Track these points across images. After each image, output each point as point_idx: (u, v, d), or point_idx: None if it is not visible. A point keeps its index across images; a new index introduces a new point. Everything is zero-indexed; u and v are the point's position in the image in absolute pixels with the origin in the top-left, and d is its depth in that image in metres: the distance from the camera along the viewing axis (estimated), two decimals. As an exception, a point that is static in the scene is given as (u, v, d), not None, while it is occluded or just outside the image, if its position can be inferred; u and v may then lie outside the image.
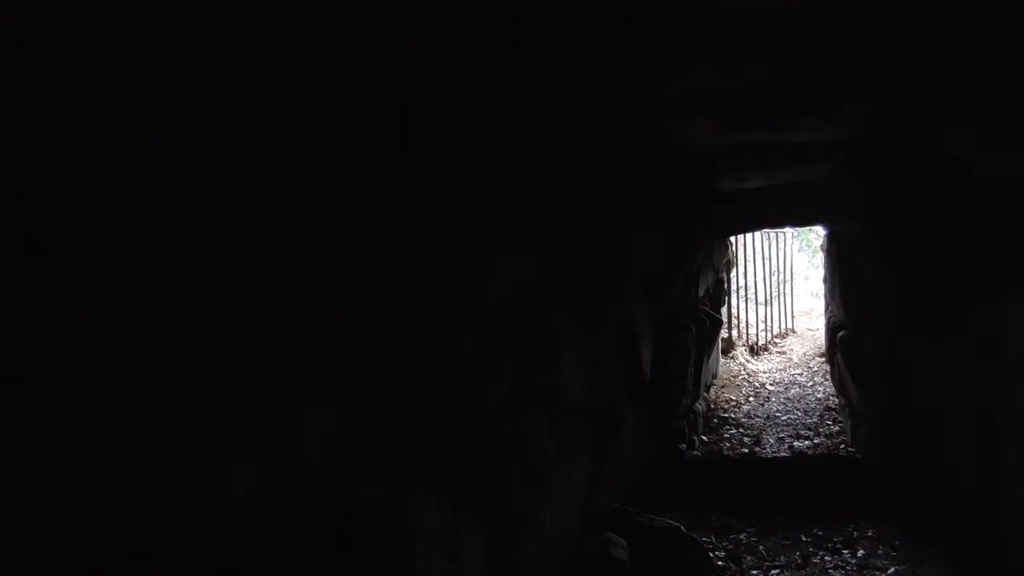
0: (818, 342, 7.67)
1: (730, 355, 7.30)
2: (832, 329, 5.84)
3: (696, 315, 5.41)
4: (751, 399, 6.32)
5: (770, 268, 8.31)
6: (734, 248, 7.57)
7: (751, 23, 2.36)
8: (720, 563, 3.73)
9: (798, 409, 5.97)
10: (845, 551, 3.84)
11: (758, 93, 2.92)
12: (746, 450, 5.14)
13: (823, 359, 6.98)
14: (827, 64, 2.66)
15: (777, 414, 5.88)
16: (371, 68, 1.62)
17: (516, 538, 2.48)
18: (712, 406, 6.00)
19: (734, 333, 7.68)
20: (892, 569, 3.61)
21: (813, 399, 6.19)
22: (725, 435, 5.46)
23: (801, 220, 5.90)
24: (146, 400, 1.16)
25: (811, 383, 6.65)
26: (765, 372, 7.14)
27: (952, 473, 3.67)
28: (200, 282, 1.25)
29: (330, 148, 1.56)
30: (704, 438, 5.36)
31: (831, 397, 6.04)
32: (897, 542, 3.89)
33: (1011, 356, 2.98)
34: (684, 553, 3.42)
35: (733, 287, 7.83)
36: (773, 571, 3.69)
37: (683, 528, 3.56)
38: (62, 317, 1.03)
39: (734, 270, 7.77)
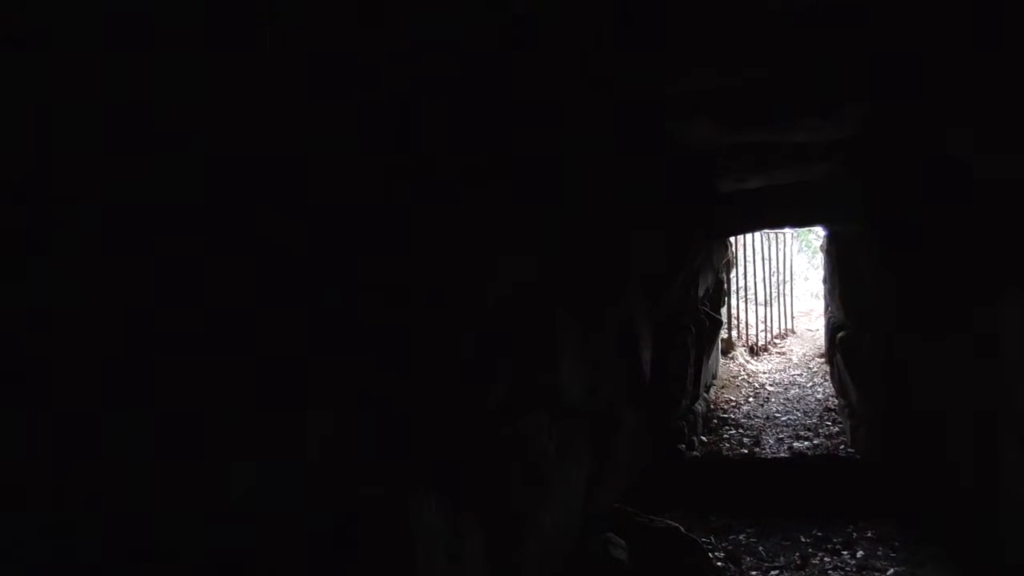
0: (818, 343, 7.67)
1: (730, 356, 7.30)
2: (832, 330, 5.84)
3: (696, 315, 5.41)
4: (751, 400, 6.32)
5: (770, 269, 8.31)
6: (734, 249, 7.57)
7: (751, 23, 2.36)
8: (719, 564, 3.73)
9: (798, 410, 5.97)
10: (844, 552, 3.84)
11: (758, 93, 2.92)
12: (745, 451, 5.14)
13: (823, 360, 6.98)
14: (827, 64, 2.66)
15: (777, 415, 5.88)
16: (371, 68, 1.62)
17: (516, 538, 2.48)
18: (712, 406, 6.00)
19: (734, 334, 7.68)
20: (892, 570, 3.60)
21: (813, 400, 6.19)
22: (725, 435, 5.46)
23: (801, 220, 5.90)
24: (146, 400, 1.16)
25: (811, 384, 6.65)
26: (765, 373, 7.14)
27: (952, 473, 3.67)
28: (200, 282, 1.25)
29: (330, 148, 1.56)
30: (704, 438, 5.36)
31: (831, 398, 6.04)
32: (897, 543, 3.89)
33: (1011, 356, 2.98)
34: (683, 553, 3.41)
35: (733, 288, 7.83)
36: (772, 572, 3.68)
37: (682, 528, 3.56)
38: (62, 317, 1.02)
39: (734, 271, 7.77)
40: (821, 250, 7.18)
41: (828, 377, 6.35)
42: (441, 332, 1.99)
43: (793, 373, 7.07)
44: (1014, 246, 2.89)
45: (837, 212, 4.63)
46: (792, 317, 8.74)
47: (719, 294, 6.70)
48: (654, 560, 3.33)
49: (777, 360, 7.64)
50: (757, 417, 5.86)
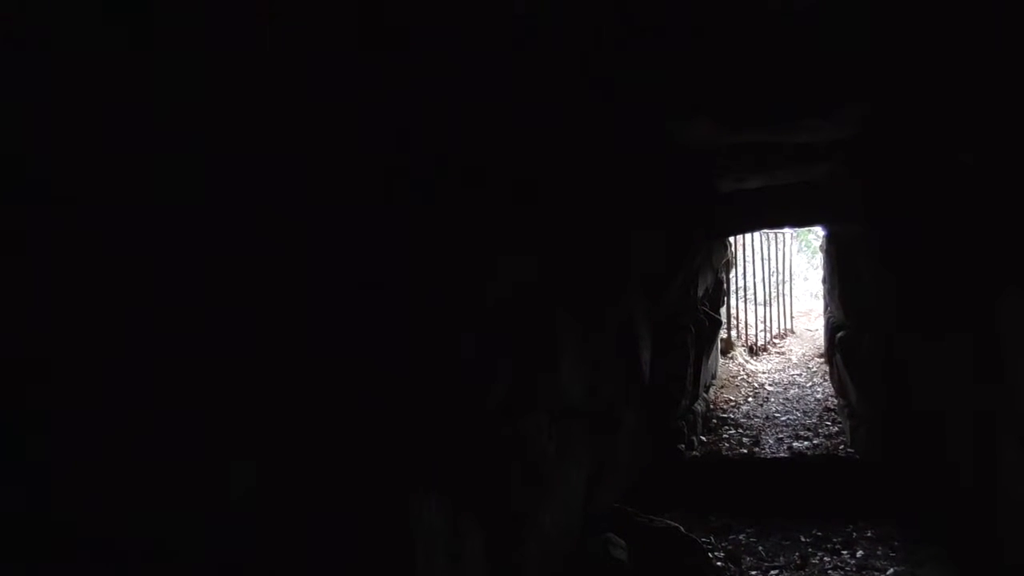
0: (817, 343, 7.67)
1: (729, 355, 7.30)
2: (831, 330, 5.84)
3: (695, 315, 5.42)
4: (750, 399, 6.32)
5: (769, 269, 8.31)
6: (733, 248, 7.57)
7: (752, 23, 2.36)
8: (719, 563, 3.73)
9: (797, 410, 5.97)
10: (844, 552, 3.84)
11: (758, 93, 2.92)
12: (745, 450, 5.14)
13: (822, 360, 6.98)
14: (827, 64, 2.66)
15: (776, 414, 5.88)
16: (370, 68, 1.62)
17: (516, 538, 2.48)
18: (711, 406, 6.00)
19: (733, 333, 7.68)
20: (891, 570, 3.61)
21: (812, 399, 6.19)
22: (724, 435, 5.46)
23: (801, 220, 5.89)
24: (146, 400, 1.15)
25: (810, 384, 6.65)
26: (764, 372, 7.14)
27: (952, 473, 3.67)
28: (200, 282, 1.25)
29: (330, 148, 1.56)
30: (703, 438, 5.36)
31: (830, 398, 6.04)
32: (896, 543, 3.89)
33: (1011, 356, 2.99)
34: (683, 553, 3.42)
35: (732, 287, 7.83)
36: (772, 572, 3.69)
37: (682, 528, 3.56)
38: (61, 316, 1.02)
39: (733, 270, 7.77)
40: (821, 250, 7.19)
41: (827, 377, 6.35)
42: (441, 332, 1.99)
43: (792, 373, 7.06)
44: (1014, 246, 2.89)
45: (837, 212, 4.63)
46: (791, 317, 8.74)
47: (719, 294, 6.69)
48: (654, 560, 3.34)
49: (776, 360, 7.64)
50: (756, 417, 5.86)
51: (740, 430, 5.57)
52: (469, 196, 2.11)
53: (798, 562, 3.74)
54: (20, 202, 0.97)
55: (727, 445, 5.27)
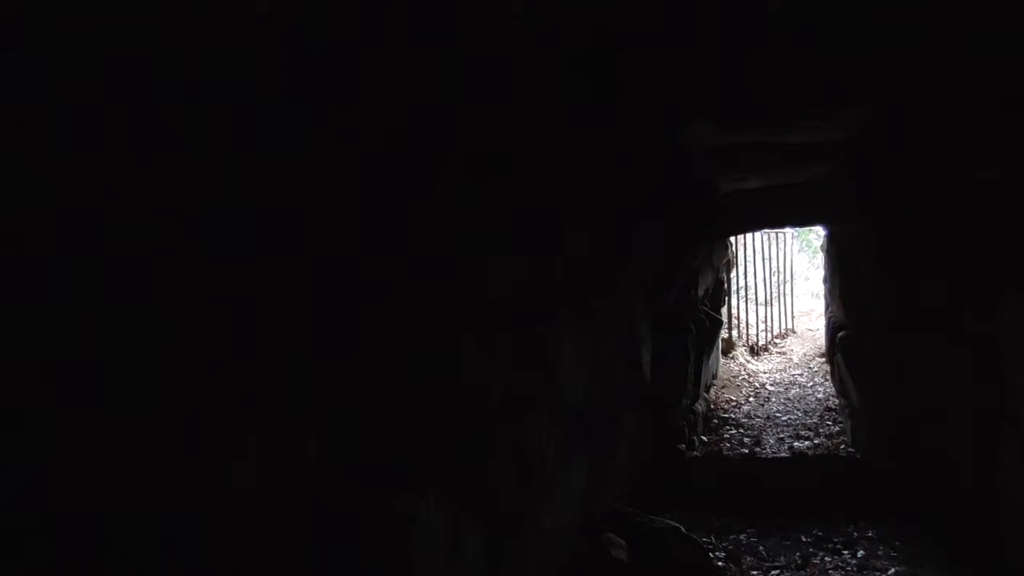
0: (818, 342, 7.66)
1: (730, 355, 7.30)
2: (832, 329, 5.84)
3: (696, 315, 5.42)
4: (751, 399, 6.32)
5: (770, 268, 8.30)
6: (734, 248, 7.57)
7: (752, 23, 2.36)
8: (720, 563, 3.73)
9: (798, 409, 5.97)
10: (845, 552, 3.84)
11: (758, 93, 2.92)
12: (746, 450, 5.14)
13: (823, 359, 6.98)
14: (827, 65, 2.66)
15: (777, 414, 5.88)
16: (370, 67, 1.62)
17: (515, 538, 2.49)
18: (712, 406, 6.00)
19: (734, 333, 7.68)
20: (892, 570, 3.61)
21: (813, 399, 6.19)
22: (725, 435, 5.46)
23: (801, 220, 5.90)
24: (146, 399, 1.16)
25: (811, 383, 6.65)
26: (765, 372, 7.14)
27: (952, 473, 3.67)
28: (200, 282, 1.25)
29: (329, 148, 1.56)
30: (704, 438, 5.36)
31: (831, 397, 6.03)
32: (897, 542, 3.89)
33: (1010, 356, 2.99)
34: (684, 553, 3.42)
35: (733, 287, 7.83)
36: (773, 572, 3.69)
37: (683, 528, 3.56)
38: (61, 316, 1.03)
39: (734, 270, 7.77)
40: (822, 250, 7.18)
41: (829, 377, 6.35)
42: (440, 332, 2.00)
43: (794, 373, 7.06)
44: (1013, 247, 2.90)
45: (837, 212, 4.63)
46: (792, 317, 8.73)
47: (719, 294, 6.69)
48: (654, 560, 3.34)
49: (778, 360, 7.63)
50: (757, 417, 5.85)
51: (741, 430, 5.57)
52: (469, 196, 2.12)
53: (799, 562, 3.74)
54: (20, 202, 0.97)
55: (728, 445, 5.27)
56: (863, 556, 3.78)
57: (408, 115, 1.79)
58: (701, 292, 5.71)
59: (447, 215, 2.00)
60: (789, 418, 5.77)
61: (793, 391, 6.48)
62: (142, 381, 1.15)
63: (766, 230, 7.63)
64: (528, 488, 2.58)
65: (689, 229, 4.60)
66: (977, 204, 3.08)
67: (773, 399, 6.28)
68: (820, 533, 4.06)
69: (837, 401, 5.79)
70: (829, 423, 5.57)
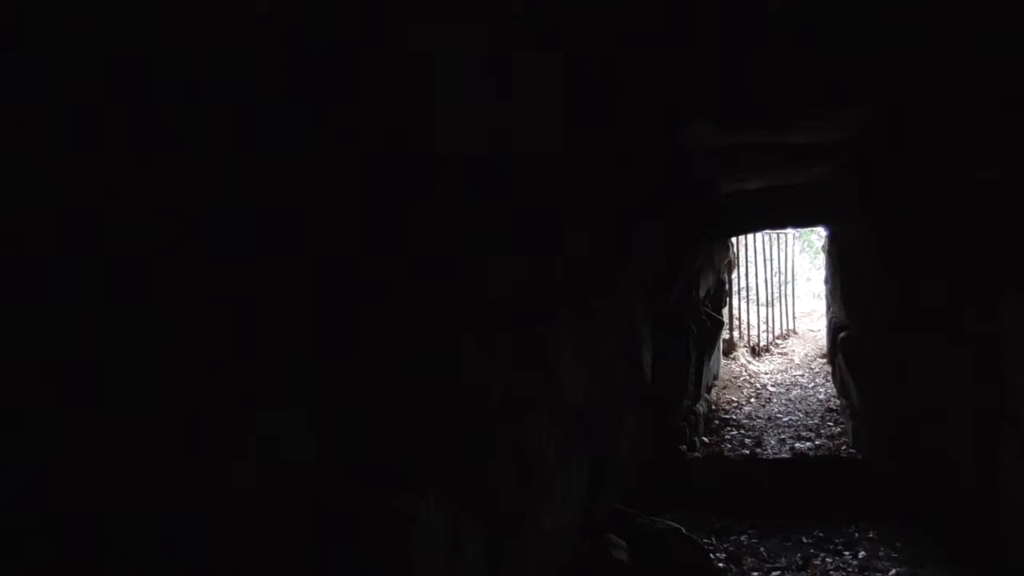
0: (820, 343, 7.66)
1: (731, 356, 7.29)
2: (833, 330, 5.83)
3: (697, 316, 5.41)
4: (752, 400, 6.31)
5: (772, 269, 8.30)
6: (735, 249, 7.56)
7: (752, 23, 2.36)
8: (721, 564, 3.73)
9: (799, 410, 5.97)
10: (846, 552, 3.84)
11: (758, 93, 2.92)
12: (747, 451, 5.13)
13: (824, 360, 6.97)
14: (828, 65, 2.66)
15: (778, 415, 5.88)
16: (369, 67, 1.63)
17: (516, 538, 2.48)
18: (713, 407, 6.00)
19: (735, 334, 7.67)
20: (893, 571, 3.60)
21: (815, 400, 6.18)
22: (726, 436, 5.46)
23: (802, 221, 5.90)
24: (146, 399, 1.16)
25: (812, 384, 6.64)
26: (766, 373, 7.13)
27: (953, 473, 3.67)
28: (200, 282, 1.26)
29: (329, 148, 1.56)
30: (705, 439, 5.36)
31: (832, 398, 6.03)
32: (898, 543, 3.88)
33: (1010, 356, 2.98)
34: (684, 554, 3.42)
35: (734, 288, 7.82)
36: (774, 573, 3.68)
37: (683, 529, 3.56)
38: (61, 316, 1.03)
39: (735, 271, 7.76)
40: (823, 250, 7.17)
41: (830, 378, 6.34)
42: (440, 332, 2.00)
43: (795, 374, 7.06)
44: (1013, 247, 2.89)
45: (838, 212, 4.63)
46: (794, 317, 8.73)
47: (720, 294, 6.69)
48: (655, 561, 3.34)
49: (779, 360, 7.63)
50: (759, 418, 5.85)
51: (742, 431, 5.56)
52: (469, 196, 2.12)
53: (800, 563, 3.74)
54: (20, 202, 0.97)
55: (729, 446, 5.27)
56: (864, 557, 3.77)
57: (408, 115, 1.79)
58: (702, 293, 5.71)
59: (447, 215, 2.00)
60: (790, 419, 5.77)
61: (794, 392, 6.48)
62: (142, 381, 1.15)
63: (767, 231, 7.63)
64: (528, 488, 2.58)
65: (690, 229, 4.60)
66: (977, 204, 3.07)
67: (774, 400, 6.28)
68: (821, 534, 4.05)
69: (838, 402, 5.78)
70: (830, 424, 5.57)
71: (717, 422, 5.75)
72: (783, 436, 5.38)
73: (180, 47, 1.16)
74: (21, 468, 1.00)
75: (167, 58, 1.15)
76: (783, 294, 8.57)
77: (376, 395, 1.74)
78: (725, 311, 7.02)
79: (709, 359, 5.83)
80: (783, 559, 3.80)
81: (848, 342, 5.21)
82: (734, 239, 7.25)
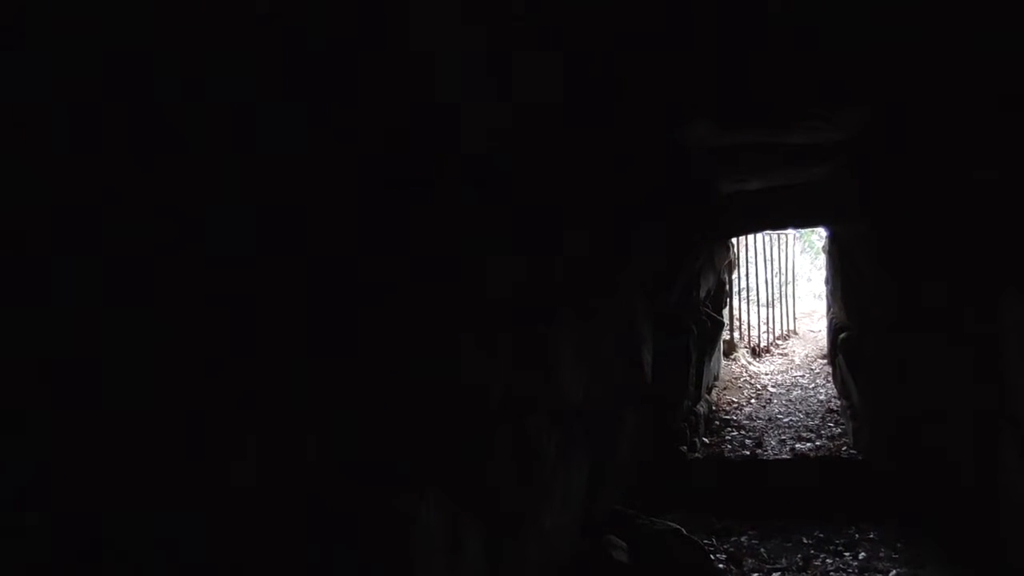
0: (820, 344, 7.65)
1: (732, 357, 7.29)
2: (834, 331, 5.83)
3: (697, 316, 5.41)
4: (753, 401, 6.31)
5: (772, 269, 8.30)
6: (736, 249, 7.56)
7: (752, 23, 2.36)
8: (721, 565, 3.73)
9: (800, 411, 5.97)
10: (847, 553, 3.84)
11: (758, 93, 2.92)
12: (747, 452, 5.13)
13: (825, 361, 6.97)
14: (828, 65, 2.66)
15: (779, 416, 5.88)
16: (369, 67, 1.63)
17: (516, 538, 2.48)
18: (714, 408, 6.00)
19: (736, 335, 7.67)
20: (894, 571, 3.60)
21: (815, 401, 6.18)
22: (726, 437, 5.46)
23: (802, 221, 5.89)
24: (146, 399, 1.16)
25: (813, 385, 6.64)
26: (767, 374, 7.13)
27: (953, 473, 3.66)
28: (200, 282, 1.26)
29: (329, 148, 1.56)
30: (705, 440, 5.36)
31: (833, 399, 6.03)
32: (899, 544, 3.88)
33: (1010, 356, 2.98)
34: (684, 555, 3.42)
35: (735, 288, 7.82)
36: (774, 573, 3.68)
37: (684, 530, 3.56)
38: (61, 316, 1.03)
39: (736, 271, 7.76)
40: (824, 251, 7.17)
41: (830, 378, 6.34)
42: (440, 332, 2.00)
43: (795, 374, 7.06)
44: (1013, 247, 2.89)
45: (838, 213, 4.63)
46: (794, 318, 8.73)
47: (721, 295, 6.69)
48: (655, 562, 3.34)
49: (779, 361, 7.63)
50: (759, 418, 5.85)
51: (742, 431, 5.56)
52: (469, 196, 2.12)
53: (800, 564, 3.74)
54: (20, 202, 0.98)
55: (729, 447, 5.26)
56: (865, 558, 3.77)
57: (408, 115, 1.79)
58: (703, 293, 5.71)
59: (447, 215, 2.00)
60: (791, 420, 5.77)
61: (795, 393, 6.48)
62: (142, 381, 1.15)
63: (768, 231, 7.63)
64: (528, 488, 2.58)
65: (690, 230, 4.60)
66: (977, 204, 3.07)
67: (775, 401, 6.28)
68: (821, 535, 4.05)
69: (839, 402, 5.78)
70: (831, 424, 5.56)
71: (717, 423, 5.75)
72: (783, 437, 5.38)
73: (180, 47, 1.16)
74: (21, 468, 1.00)
75: (167, 58, 1.15)
76: (783, 295, 8.57)
77: (376, 395, 1.74)
78: (725, 312, 7.02)
79: (709, 360, 5.83)
80: (783, 560, 3.80)
81: (849, 342, 5.21)
82: (735, 239, 7.24)
